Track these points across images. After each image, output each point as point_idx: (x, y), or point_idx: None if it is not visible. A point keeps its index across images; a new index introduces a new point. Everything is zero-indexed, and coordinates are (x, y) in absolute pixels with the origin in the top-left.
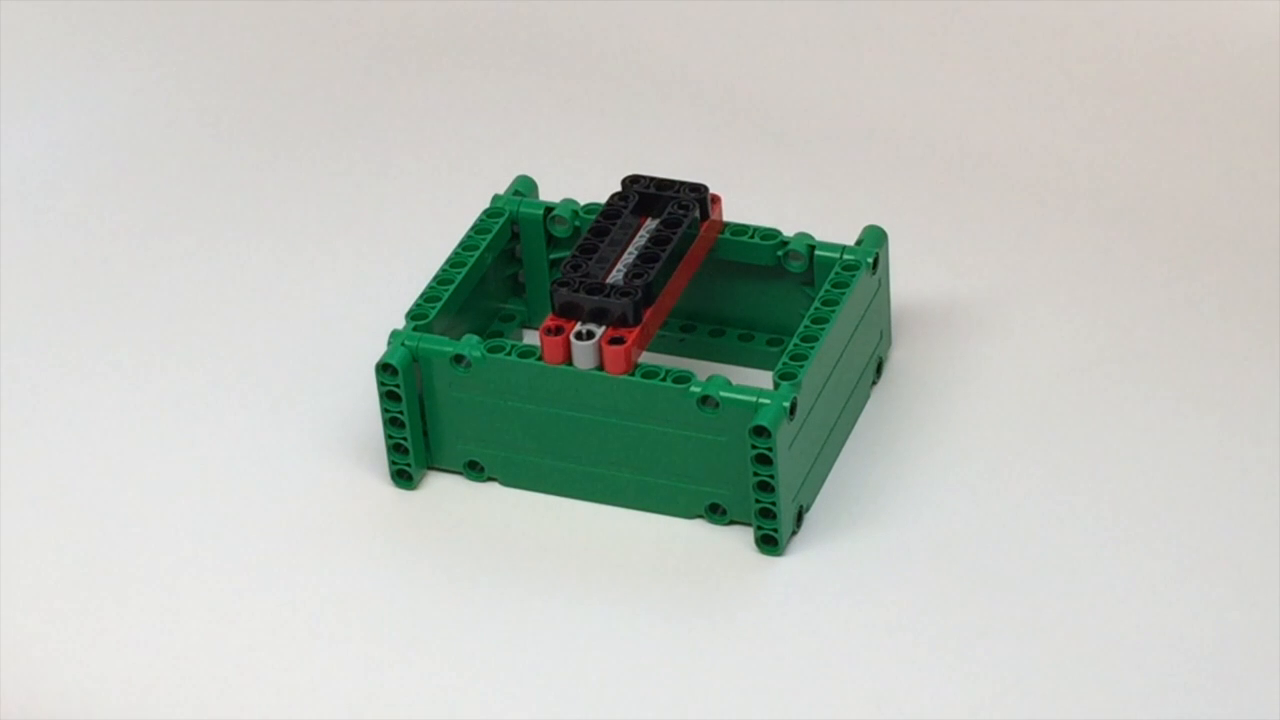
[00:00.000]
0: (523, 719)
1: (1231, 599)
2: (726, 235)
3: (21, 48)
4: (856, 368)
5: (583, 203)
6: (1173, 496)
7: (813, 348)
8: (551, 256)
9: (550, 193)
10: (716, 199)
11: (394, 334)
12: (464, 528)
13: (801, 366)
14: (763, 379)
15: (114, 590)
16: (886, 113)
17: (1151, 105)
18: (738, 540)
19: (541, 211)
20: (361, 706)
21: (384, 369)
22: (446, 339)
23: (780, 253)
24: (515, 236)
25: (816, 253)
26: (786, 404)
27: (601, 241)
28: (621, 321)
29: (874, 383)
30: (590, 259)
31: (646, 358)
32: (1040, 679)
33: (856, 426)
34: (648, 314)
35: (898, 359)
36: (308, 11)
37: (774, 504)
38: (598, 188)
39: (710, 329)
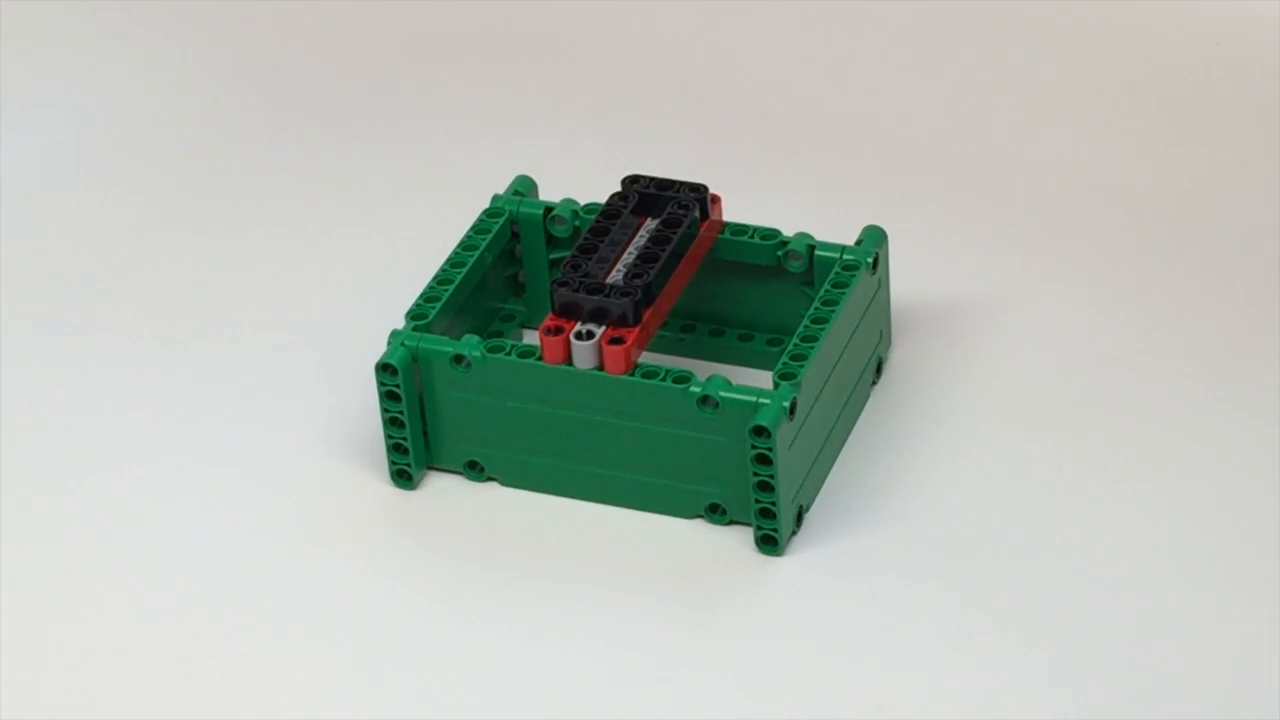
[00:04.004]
0: (522, 719)
1: (1233, 598)
2: (726, 235)
3: (21, 48)
4: (856, 368)
5: (583, 203)
6: (1173, 495)
7: (812, 348)
8: (551, 256)
9: (550, 193)
10: (716, 199)
11: (394, 334)
12: (464, 528)
13: (801, 366)
14: (763, 379)
15: (113, 589)
16: (887, 113)
17: (1151, 105)
18: (738, 540)
19: (541, 211)
20: (361, 706)
21: (384, 369)
22: (446, 339)
23: (780, 253)
24: (515, 236)
25: (816, 253)
26: (786, 404)
27: (601, 241)
28: (621, 321)
29: (874, 383)
30: (590, 259)
31: (646, 358)
32: (1040, 679)
33: (856, 426)
34: (647, 314)
35: (898, 359)
36: (308, 12)
37: (774, 504)
38: (598, 188)
39: (710, 329)
